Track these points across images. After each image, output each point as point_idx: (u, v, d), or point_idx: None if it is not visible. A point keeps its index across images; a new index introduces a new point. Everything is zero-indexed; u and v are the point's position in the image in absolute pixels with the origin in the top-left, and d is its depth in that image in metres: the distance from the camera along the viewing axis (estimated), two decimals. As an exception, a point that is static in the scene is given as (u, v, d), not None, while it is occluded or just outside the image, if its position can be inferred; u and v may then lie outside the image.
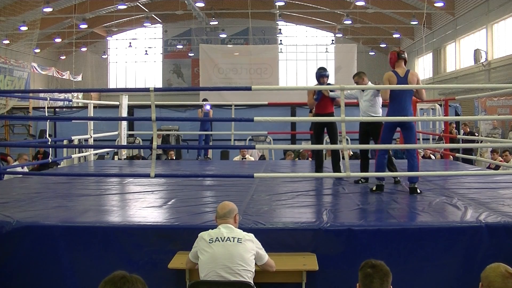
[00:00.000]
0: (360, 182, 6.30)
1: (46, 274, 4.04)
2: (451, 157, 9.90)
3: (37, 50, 29.16)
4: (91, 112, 10.38)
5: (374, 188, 5.67)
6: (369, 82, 6.86)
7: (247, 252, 3.51)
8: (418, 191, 5.54)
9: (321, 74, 6.94)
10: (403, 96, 5.64)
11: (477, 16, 21.72)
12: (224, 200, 4.03)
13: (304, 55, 34.74)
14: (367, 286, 2.68)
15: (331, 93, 6.90)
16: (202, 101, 12.45)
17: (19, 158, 9.28)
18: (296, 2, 29.04)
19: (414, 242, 4.04)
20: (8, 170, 7.84)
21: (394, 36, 30.54)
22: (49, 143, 9.33)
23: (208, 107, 11.44)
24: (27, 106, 16.98)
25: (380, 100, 6.53)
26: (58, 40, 30.25)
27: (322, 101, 7.00)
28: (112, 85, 35.62)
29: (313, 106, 7.27)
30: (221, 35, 33.16)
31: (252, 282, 3.48)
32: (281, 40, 33.47)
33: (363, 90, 6.53)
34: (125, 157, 11.53)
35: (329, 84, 7.21)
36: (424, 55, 28.14)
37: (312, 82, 7.73)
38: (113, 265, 3.45)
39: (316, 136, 7.29)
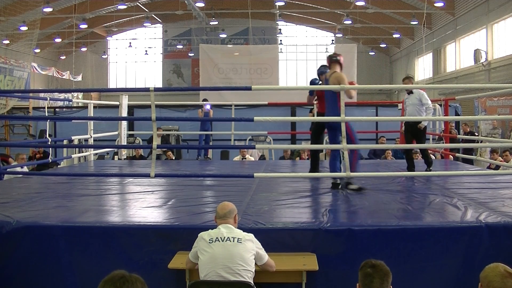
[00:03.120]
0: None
1: (46, 274, 4.04)
2: (451, 157, 9.90)
3: (37, 50, 29.17)
4: (91, 112, 10.38)
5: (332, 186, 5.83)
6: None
7: (247, 252, 3.51)
8: (354, 186, 5.65)
9: (321, 71, 6.90)
10: (326, 98, 6.03)
11: (477, 16, 21.72)
12: (224, 200, 4.03)
13: (304, 55, 34.75)
14: (367, 286, 2.68)
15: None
16: (202, 101, 12.45)
17: (17, 158, 9.28)
18: (296, 2, 29.04)
19: (414, 242, 4.04)
20: (8, 170, 7.84)
21: (394, 36, 30.53)
22: (49, 143, 9.34)
23: (208, 107, 11.44)
24: (27, 106, 16.98)
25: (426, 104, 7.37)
26: (58, 40, 30.25)
27: (323, 99, 6.93)
28: (112, 85, 35.62)
29: (311, 103, 7.26)
30: (221, 35, 33.16)
31: (252, 282, 3.48)
32: (281, 40, 33.47)
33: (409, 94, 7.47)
34: (125, 157, 11.53)
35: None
36: (424, 55, 28.13)
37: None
38: (113, 265, 3.44)
39: (315, 135, 7.26)
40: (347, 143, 5.61)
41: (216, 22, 30.97)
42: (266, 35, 34.19)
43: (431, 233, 4.07)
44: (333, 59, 6.16)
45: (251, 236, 3.63)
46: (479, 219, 4.16)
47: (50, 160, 9.64)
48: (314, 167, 7.24)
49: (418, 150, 10.87)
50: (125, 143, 10.63)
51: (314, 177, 6.77)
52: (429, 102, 7.50)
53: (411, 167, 7.48)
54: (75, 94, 24.59)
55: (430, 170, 7.32)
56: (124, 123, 10.44)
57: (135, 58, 35.93)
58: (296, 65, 34.74)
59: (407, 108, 7.57)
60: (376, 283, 2.65)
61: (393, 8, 26.53)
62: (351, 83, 6.47)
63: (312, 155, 7.45)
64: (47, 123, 9.70)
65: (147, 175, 5.78)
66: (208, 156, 11.75)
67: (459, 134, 12.05)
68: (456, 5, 24.06)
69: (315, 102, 7.61)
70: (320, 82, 6.91)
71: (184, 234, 4.03)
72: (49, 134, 9.78)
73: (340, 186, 5.87)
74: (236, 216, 3.79)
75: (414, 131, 7.49)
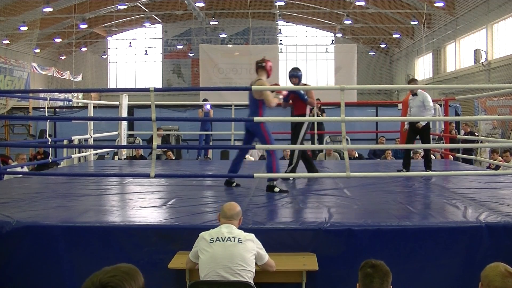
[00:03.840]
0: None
1: (46, 274, 4.04)
2: (451, 157, 9.90)
3: (37, 50, 29.18)
4: (91, 112, 10.38)
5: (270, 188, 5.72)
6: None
7: (247, 252, 3.51)
8: (276, 189, 5.63)
9: (290, 75, 6.92)
10: (249, 103, 5.98)
11: (477, 16, 21.71)
12: (224, 200, 4.03)
13: (304, 55, 34.73)
14: (367, 286, 2.68)
15: (304, 96, 6.85)
16: (203, 101, 12.44)
17: (17, 158, 9.28)
18: (296, 2, 29.04)
19: (414, 242, 4.04)
20: (8, 170, 7.84)
21: (394, 36, 30.53)
22: (49, 143, 9.33)
23: (208, 107, 11.43)
24: (27, 106, 16.98)
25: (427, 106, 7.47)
26: (58, 40, 30.24)
27: (295, 102, 6.96)
28: (112, 85, 35.61)
29: (281, 106, 7.19)
30: (221, 35, 33.16)
31: (252, 282, 3.48)
32: (281, 40, 33.46)
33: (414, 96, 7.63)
34: (125, 157, 11.53)
35: (304, 84, 7.30)
36: (424, 55, 28.13)
37: (312, 83, 7.74)
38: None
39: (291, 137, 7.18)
40: (261, 144, 5.84)
41: (216, 22, 30.96)
42: (266, 35, 34.19)
43: (431, 233, 4.07)
44: (258, 65, 5.95)
45: (251, 236, 3.63)
46: (479, 219, 4.16)
47: (50, 160, 9.64)
48: (309, 167, 7.14)
49: (420, 150, 10.94)
50: (125, 143, 10.63)
51: (314, 177, 6.77)
52: (431, 103, 7.56)
53: (407, 165, 7.54)
54: (75, 94, 24.59)
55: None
56: (124, 123, 10.44)
57: (135, 58, 35.92)
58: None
59: (412, 109, 7.69)
60: (376, 283, 2.65)
61: (393, 8, 26.53)
62: (275, 85, 6.50)
63: (304, 158, 7.16)
64: (47, 123, 9.69)
65: (147, 175, 5.78)
66: (208, 156, 11.74)
67: (459, 134, 12.04)
68: (456, 5, 24.05)
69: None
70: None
71: (184, 234, 4.03)
72: (49, 134, 9.78)
73: (271, 189, 5.73)
74: (241, 219, 3.80)
75: (419, 132, 7.60)
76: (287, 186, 6.21)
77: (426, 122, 7.49)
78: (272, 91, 5.98)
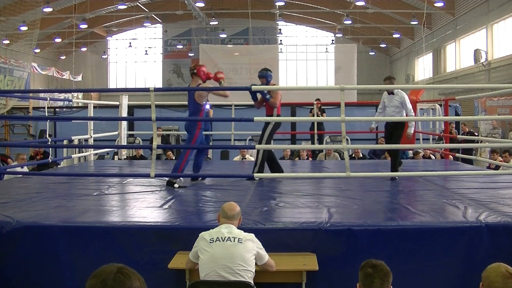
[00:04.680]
0: None
1: (46, 274, 4.04)
2: (451, 157, 9.91)
3: (37, 50, 29.15)
4: (91, 112, 10.38)
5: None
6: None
7: (247, 252, 3.51)
8: (176, 185, 5.99)
9: (259, 75, 6.96)
10: (188, 104, 6.57)
11: (477, 16, 21.72)
12: (224, 200, 4.03)
13: (304, 55, 34.72)
14: (368, 286, 2.68)
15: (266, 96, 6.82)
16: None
17: (17, 158, 9.27)
18: (296, 2, 29.04)
19: (414, 242, 4.04)
20: (8, 170, 7.84)
21: (394, 36, 30.53)
22: (49, 143, 9.33)
23: (208, 106, 11.42)
24: (27, 106, 16.97)
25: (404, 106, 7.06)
26: (58, 40, 30.24)
27: (264, 103, 6.93)
28: (112, 85, 35.60)
29: (258, 106, 7.16)
30: (221, 35, 33.16)
31: (252, 282, 3.48)
32: (281, 40, 33.45)
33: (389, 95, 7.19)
34: (125, 157, 11.53)
35: (274, 84, 7.39)
36: (424, 55, 28.13)
37: (312, 82, 7.74)
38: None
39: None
40: (186, 143, 6.40)
41: (216, 22, 30.96)
42: (266, 35, 34.18)
43: (431, 233, 4.07)
44: (191, 72, 6.41)
45: (251, 236, 3.63)
46: (479, 219, 4.16)
47: (50, 160, 9.64)
48: (275, 168, 7.08)
49: (421, 150, 10.95)
50: (125, 143, 10.63)
51: (314, 177, 6.77)
52: (411, 107, 7.09)
53: (395, 167, 7.08)
54: (75, 94, 24.60)
55: (394, 179, 6.66)
56: (124, 123, 10.44)
57: (135, 58, 35.92)
58: (296, 65, 34.72)
59: (387, 108, 7.16)
60: (376, 283, 2.65)
61: (393, 8, 26.53)
62: (216, 78, 6.68)
63: (268, 157, 7.04)
64: (47, 123, 9.71)
65: (147, 175, 5.78)
66: (208, 156, 11.74)
67: (459, 134, 12.05)
68: (456, 5, 24.06)
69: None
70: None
71: (184, 234, 4.03)
72: (49, 134, 9.79)
73: (171, 184, 6.07)
74: (241, 219, 3.81)
75: (393, 131, 7.05)
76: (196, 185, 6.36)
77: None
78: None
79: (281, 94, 6.98)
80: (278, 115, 6.91)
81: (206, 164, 9.59)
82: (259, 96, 6.90)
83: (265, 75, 6.91)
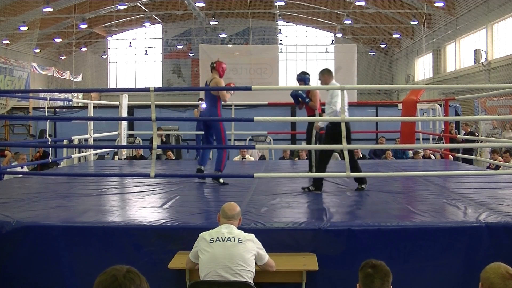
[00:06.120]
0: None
1: (46, 274, 4.04)
2: (451, 157, 9.90)
3: (37, 50, 29.15)
4: (91, 112, 10.38)
5: None
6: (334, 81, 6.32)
7: (247, 252, 3.51)
8: (221, 181, 6.19)
9: (297, 78, 7.19)
10: (205, 100, 6.83)
11: (477, 16, 21.71)
12: (224, 200, 4.03)
13: (304, 55, 34.73)
14: (368, 286, 2.67)
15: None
16: (198, 100, 12.43)
17: (17, 158, 9.27)
18: (296, 2, 29.04)
19: (414, 242, 4.04)
20: (8, 170, 7.84)
21: (394, 36, 30.52)
22: (49, 143, 9.33)
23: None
24: (27, 106, 16.97)
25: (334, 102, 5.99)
26: (58, 40, 30.23)
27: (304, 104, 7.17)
28: (112, 85, 35.59)
29: (300, 108, 7.27)
30: (221, 35, 33.15)
31: (252, 282, 3.48)
32: (281, 40, 33.45)
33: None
34: (125, 157, 11.52)
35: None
36: (424, 55, 28.12)
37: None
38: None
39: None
40: (217, 142, 6.55)
41: (216, 22, 30.95)
42: (266, 35, 34.18)
43: (431, 233, 4.07)
44: (211, 66, 6.59)
45: (251, 236, 3.63)
46: (479, 219, 4.16)
47: (50, 160, 9.63)
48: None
49: (421, 150, 10.95)
50: (125, 143, 10.63)
51: (315, 177, 6.76)
52: (338, 100, 5.87)
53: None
54: (75, 94, 24.58)
55: (312, 186, 5.88)
56: (124, 123, 10.43)
57: (135, 58, 35.91)
58: (296, 65, 34.69)
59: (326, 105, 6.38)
60: (376, 283, 2.65)
61: (393, 8, 26.53)
62: (228, 85, 6.87)
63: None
64: (47, 123, 9.69)
65: (147, 175, 5.78)
66: (208, 156, 11.71)
67: (459, 134, 12.04)
68: (456, 5, 24.06)
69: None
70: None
71: (184, 234, 4.03)
72: (49, 134, 9.78)
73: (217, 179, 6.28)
74: (241, 219, 3.81)
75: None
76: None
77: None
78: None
79: (320, 96, 7.11)
80: (320, 115, 7.09)
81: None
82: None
83: (303, 78, 7.08)
